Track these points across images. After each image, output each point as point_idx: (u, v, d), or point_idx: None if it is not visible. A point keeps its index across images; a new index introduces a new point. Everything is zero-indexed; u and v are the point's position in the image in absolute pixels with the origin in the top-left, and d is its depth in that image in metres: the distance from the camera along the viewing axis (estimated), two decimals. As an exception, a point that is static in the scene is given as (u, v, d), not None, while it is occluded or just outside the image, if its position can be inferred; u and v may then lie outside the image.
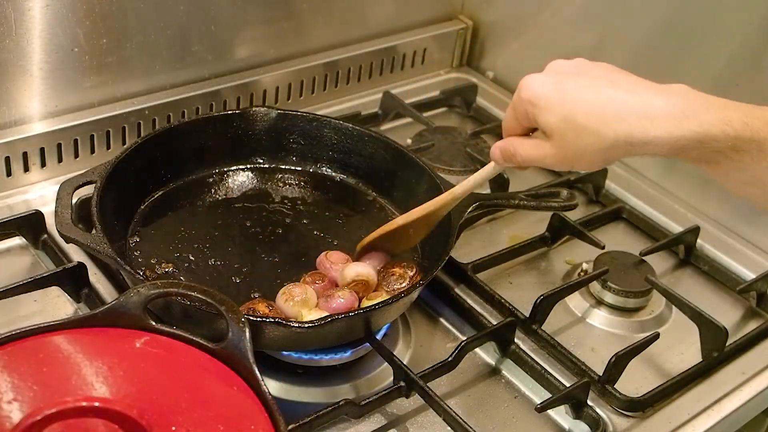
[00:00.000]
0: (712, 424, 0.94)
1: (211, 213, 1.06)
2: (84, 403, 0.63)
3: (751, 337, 1.03)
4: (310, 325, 0.82)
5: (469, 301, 1.02)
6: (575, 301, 1.05)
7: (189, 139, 1.07)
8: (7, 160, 1.06)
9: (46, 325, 0.70)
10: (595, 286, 1.05)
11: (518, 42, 1.40)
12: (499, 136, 1.32)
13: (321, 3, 1.26)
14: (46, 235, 1.02)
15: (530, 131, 0.81)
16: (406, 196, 1.07)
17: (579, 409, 0.92)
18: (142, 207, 1.04)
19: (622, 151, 0.74)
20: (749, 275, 1.11)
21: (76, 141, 1.10)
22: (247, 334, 0.71)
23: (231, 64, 1.22)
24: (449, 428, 0.86)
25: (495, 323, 0.98)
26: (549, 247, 1.13)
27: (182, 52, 1.16)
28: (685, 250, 1.14)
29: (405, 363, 0.91)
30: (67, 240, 0.89)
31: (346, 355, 0.90)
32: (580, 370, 0.95)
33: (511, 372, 0.97)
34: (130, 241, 0.99)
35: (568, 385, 0.92)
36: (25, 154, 1.07)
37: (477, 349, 0.97)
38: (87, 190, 0.97)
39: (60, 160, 1.10)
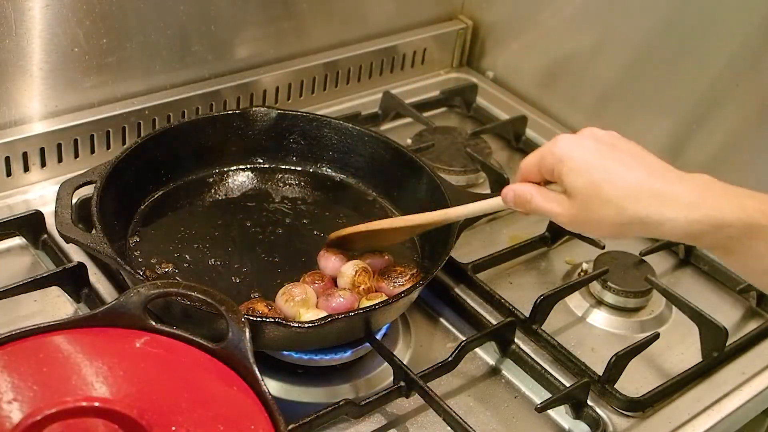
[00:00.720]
0: (712, 424, 0.94)
1: (211, 213, 1.06)
2: (84, 403, 0.62)
3: (751, 337, 1.03)
4: (309, 325, 0.82)
5: (469, 301, 1.02)
6: (575, 301, 1.05)
7: (189, 139, 1.07)
8: (7, 160, 1.06)
9: (46, 325, 0.70)
10: (595, 286, 1.05)
11: (518, 42, 1.40)
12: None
13: (321, 3, 1.26)
14: (46, 235, 1.01)
15: (546, 183, 0.82)
16: (406, 196, 1.08)
17: (579, 409, 0.92)
18: (142, 207, 1.04)
19: (636, 228, 0.75)
20: (749, 275, 1.11)
21: (76, 141, 1.10)
22: (247, 334, 0.71)
23: (231, 64, 1.22)
24: (449, 428, 0.86)
25: (495, 323, 0.98)
26: (549, 247, 1.13)
27: (182, 52, 1.16)
28: (685, 250, 1.14)
29: (405, 363, 0.90)
30: (67, 240, 0.89)
31: (346, 355, 0.90)
32: (580, 370, 0.95)
33: (511, 372, 0.97)
34: (130, 241, 0.99)
35: (568, 385, 0.92)
36: (25, 154, 1.07)
37: (477, 349, 0.97)
38: (87, 190, 0.97)
39: (60, 160, 1.10)
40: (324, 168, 1.13)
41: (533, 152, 0.82)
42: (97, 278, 0.98)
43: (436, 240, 0.97)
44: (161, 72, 1.15)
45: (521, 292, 1.04)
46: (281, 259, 1.00)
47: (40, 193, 1.08)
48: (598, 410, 0.92)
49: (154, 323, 0.73)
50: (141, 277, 0.86)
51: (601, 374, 0.93)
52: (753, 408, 0.98)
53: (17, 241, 1.03)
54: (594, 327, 1.03)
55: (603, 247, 1.08)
